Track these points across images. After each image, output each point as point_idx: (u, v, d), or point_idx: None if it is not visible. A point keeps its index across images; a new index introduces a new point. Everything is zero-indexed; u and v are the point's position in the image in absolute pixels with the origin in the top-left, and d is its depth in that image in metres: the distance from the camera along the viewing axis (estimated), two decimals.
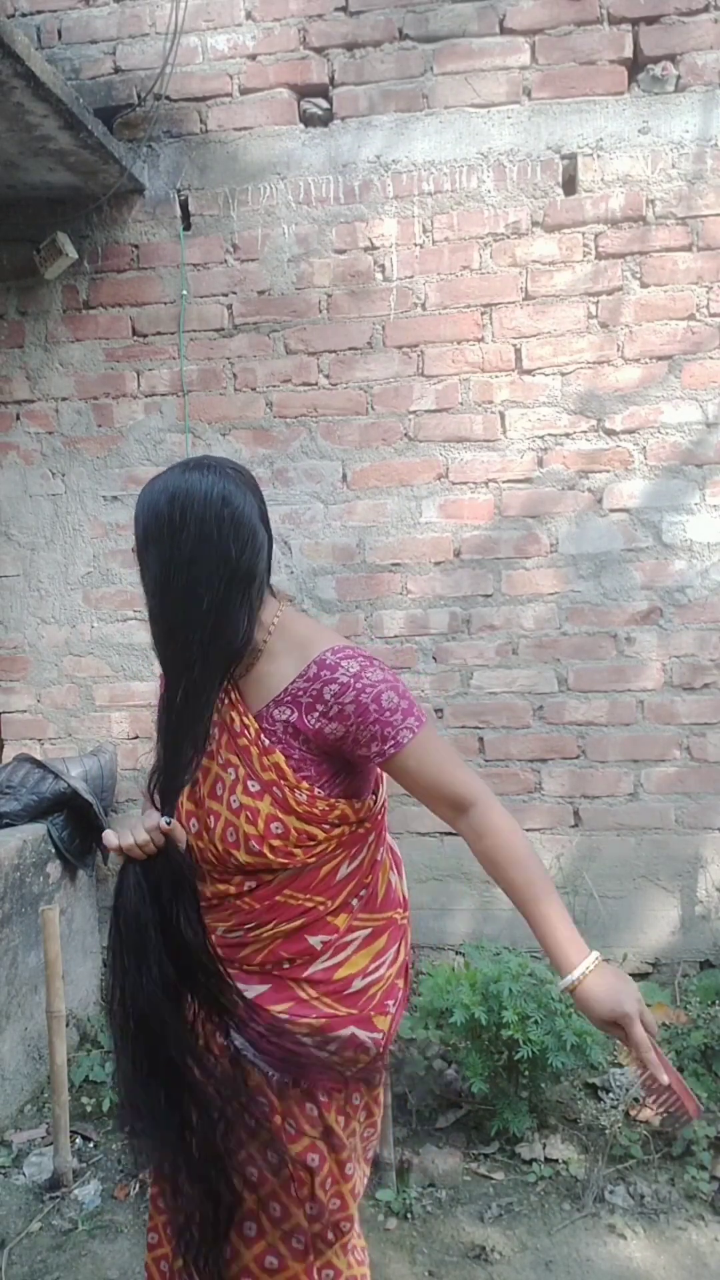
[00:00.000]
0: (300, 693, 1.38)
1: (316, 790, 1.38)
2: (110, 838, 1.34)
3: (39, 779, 2.96)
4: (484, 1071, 2.41)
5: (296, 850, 1.39)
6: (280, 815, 1.37)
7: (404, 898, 1.58)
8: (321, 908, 1.43)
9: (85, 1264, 2.18)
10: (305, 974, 1.43)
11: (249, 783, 1.38)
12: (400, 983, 1.54)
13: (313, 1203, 1.41)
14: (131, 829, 1.34)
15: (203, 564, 1.30)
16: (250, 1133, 1.38)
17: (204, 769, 1.42)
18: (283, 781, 1.37)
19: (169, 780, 1.35)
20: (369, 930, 1.48)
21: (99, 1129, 2.66)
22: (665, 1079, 1.30)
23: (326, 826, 1.40)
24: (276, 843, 1.37)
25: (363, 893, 1.48)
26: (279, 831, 1.37)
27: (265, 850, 1.37)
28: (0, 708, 3.29)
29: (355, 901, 1.47)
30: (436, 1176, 2.40)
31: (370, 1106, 1.51)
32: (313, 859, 1.41)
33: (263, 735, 1.38)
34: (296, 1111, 1.42)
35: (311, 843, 1.39)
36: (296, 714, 1.37)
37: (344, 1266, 1.46)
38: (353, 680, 1.36)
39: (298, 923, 1.43)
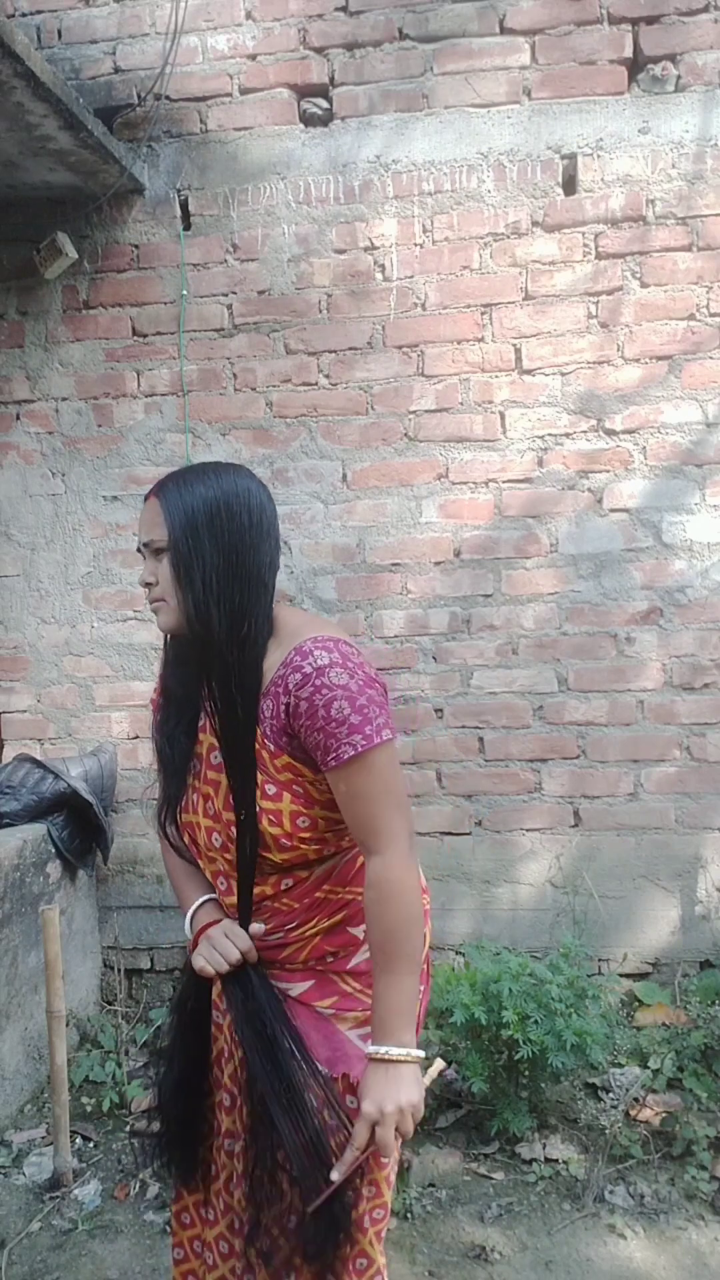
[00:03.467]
0: (277, 682, 1.35)
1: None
2: (206, 968, 1.41)
3: (39, 779, 2.96)
4: (484, 1071, 2.42)
5: (328, 835, 1.40)
6: (305, 810, 1.37)
7: (424, 884, 1.59)
8: (360, 899, 1.45)
9: (85, 1264, 2.18)
10: (349, 966, 1.46)
11: (266, 787, 1.37)
12: (425, 968, 1.56)
13: (351, 1192, 1.42)
14: (221, 951, 1.41)
15: (265, 550, 1.36)
16: (295, 1128, 1.40)
17: (214, 783, 1.42)
18: (300, 778, 1.36)
19: (242, 785, 1.36)
20: None
21: (99, 1129, 2.66)
22: (338, 1176, 1.33)
23: None
24: (306, 835, 1.38)
25: None
26: (306, 825, 1.37)
27: (297, 844, 1.38)
28: (0, 708, 3.29)
29: None
30: (436, 1176, 2.41)
31: None
32: (346, 842, 1.43)
33: (267, 739, 1.37)
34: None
35: (340, 826, 1.40)
36: (275, 705, 1.35)
37: (376, 1255, 1.47)
38: (314, 674, 1.30)
39: (339, 916, 1.45)
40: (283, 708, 1.33)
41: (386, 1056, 1.32)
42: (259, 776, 1.37)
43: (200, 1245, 1.58)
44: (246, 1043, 1.41)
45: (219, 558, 1.32)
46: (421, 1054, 1.35)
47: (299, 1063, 1.40)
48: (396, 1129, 1.31)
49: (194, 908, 1.49)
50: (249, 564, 1.34)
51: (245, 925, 1.43)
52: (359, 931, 1.46)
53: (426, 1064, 1.41)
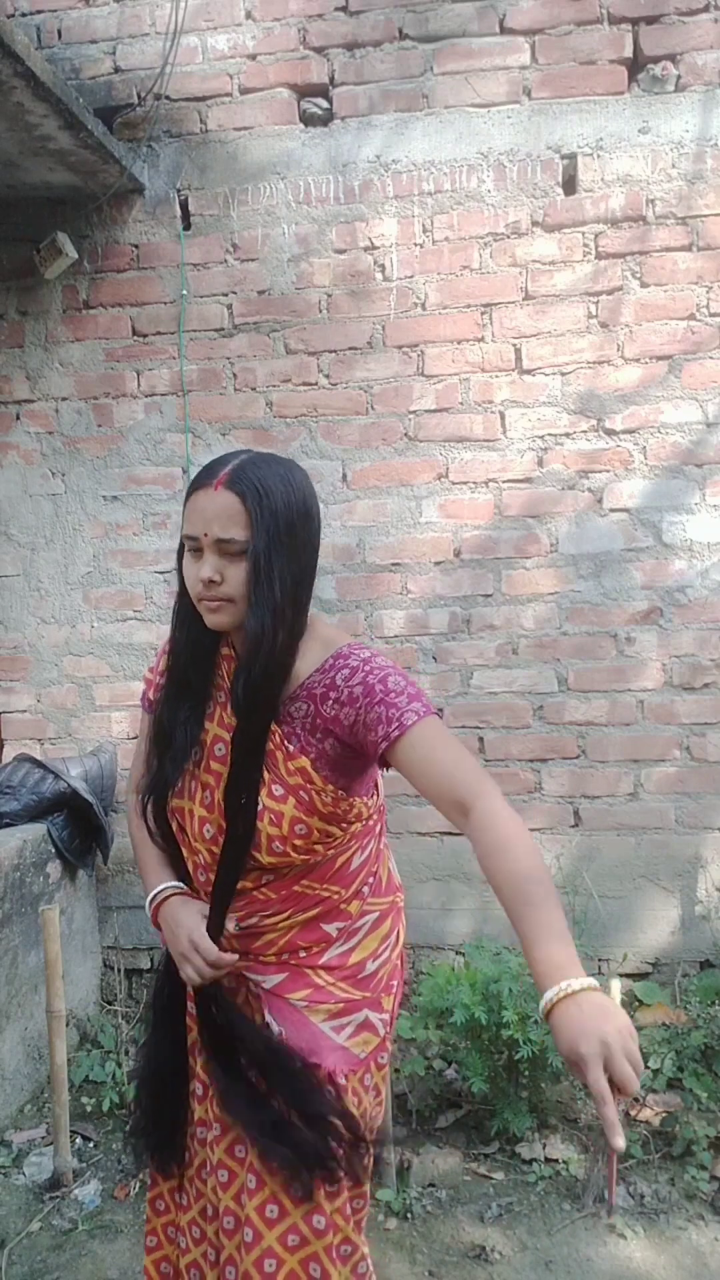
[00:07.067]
0: (315, 684, 1.38)
1: (339, 791, 1.40)
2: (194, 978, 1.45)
3: (39, 779, 2.96)
4: (484, 1071, 2.42)
5: (317, 846, 1.43)
6: (304, 817, 1.39)
7: (399, 883, 1.65)
8: (336, 897, 1.48)
9: (85, 1264, 2.18)
10: (321, 961, 1.48)
11: (274, 787, 1.39)
12: (399, 963, 1.60)
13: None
14: (195, 968, 1.43)
15: (318, 549, 1.43)
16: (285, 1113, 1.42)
17: (216, 774, 1.43)
18: (309, 785, 1.38)
19: (248, 772, 1.37)
20: (376, 914, 1.54)
21: (99, 1129, 2.66)
22: (620, 1143, 1.04)
23: (344, 825, 1.44)
24: (299, 842, 1.40)
25: (371, 880, 1.53)
26: (302, 832, 1.40)
27: (289, 850, 1.40)
28: (0, 708, 3.29)
29: (365, 889, 1.52)
30: (436, 1176, 2.40)
31: (379, 1086, 1.55)
32: (331, 851, 1.45)
33: (286, 741, 1.39)
34: None
35: (330, 839, 1.43)
36: (312, 706, 1.38)
37: (360, 1242, 1.49)
38: (362, 664, 1.37)
39: (314, 912, 1.46)
40: (330, 703, 1.36)
41: (569, 991, 1.09)
42: (267, 775, 1.38)
43: (174, 1230, 1.61)
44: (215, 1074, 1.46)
45: (297, 565, 1.35)
46: (594, 980, 1.13)
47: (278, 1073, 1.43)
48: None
49: (159, 889, 1.51)
50: (313, 566, 1.39)
51: (223, 915, 1.44)
52: (332, 929, 1.49)
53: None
